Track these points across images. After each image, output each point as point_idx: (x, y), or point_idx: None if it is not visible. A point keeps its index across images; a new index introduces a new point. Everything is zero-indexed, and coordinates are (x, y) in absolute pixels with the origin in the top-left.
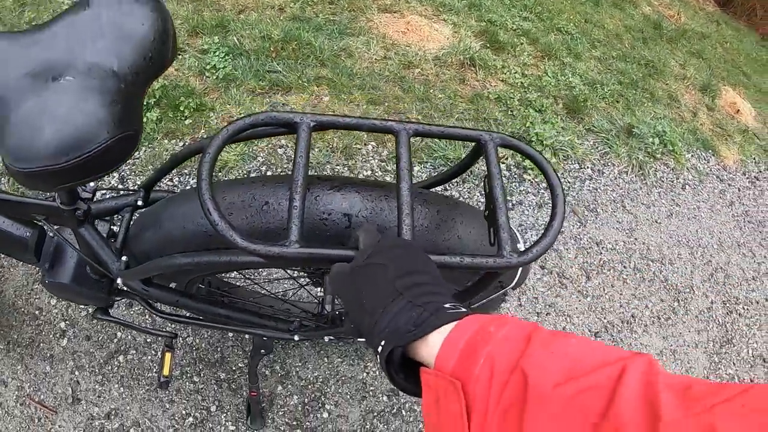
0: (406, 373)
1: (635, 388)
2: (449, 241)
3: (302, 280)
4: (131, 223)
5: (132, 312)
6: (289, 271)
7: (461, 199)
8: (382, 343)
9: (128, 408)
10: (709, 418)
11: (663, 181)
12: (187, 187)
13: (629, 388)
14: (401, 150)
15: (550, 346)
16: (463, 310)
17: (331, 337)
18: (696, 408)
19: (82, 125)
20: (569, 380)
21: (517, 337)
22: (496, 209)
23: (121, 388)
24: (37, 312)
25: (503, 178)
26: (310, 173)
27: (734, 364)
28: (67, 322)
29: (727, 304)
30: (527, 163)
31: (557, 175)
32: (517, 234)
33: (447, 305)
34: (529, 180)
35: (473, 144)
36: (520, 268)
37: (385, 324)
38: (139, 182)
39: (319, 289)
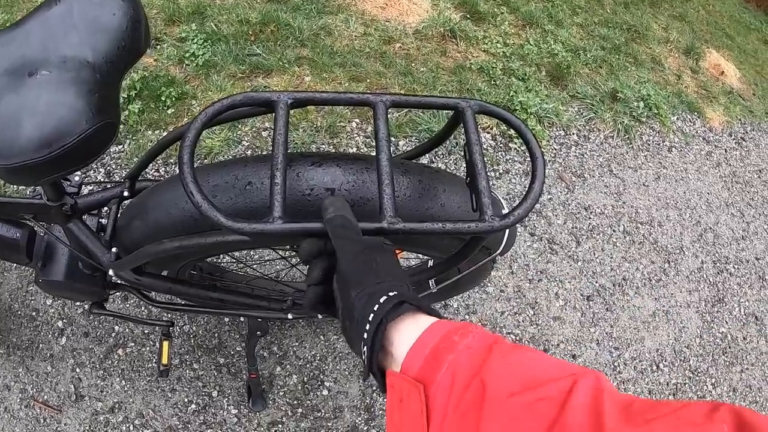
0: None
1: (583, 401)
2: (432, 209)
3: (293, 260)
4: (119, 214)
5: (127, 305)
6: (279, 252)
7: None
8: (390, 294)
9: (131, 400)
10: (647, 429)
11: (649, 145)
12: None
13: (578, 400)
14: (379, 122)
15: (508, 358)
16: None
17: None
18: (636, 420)
19: (61, 117)
20: (524, 390)
21: (479, 347)
22: (476, 175)
23: (123, 381)
24: (33, 313)
25: (483, 145)
26: (292, 151)
27: (726, 322)
28: (64, 320)
29: (718, 264)
30: (513, 131)
31: (536, 138)
32: (502, 201)
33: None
34: (515, 148)
35: (452, 113)
36: (506, 234)
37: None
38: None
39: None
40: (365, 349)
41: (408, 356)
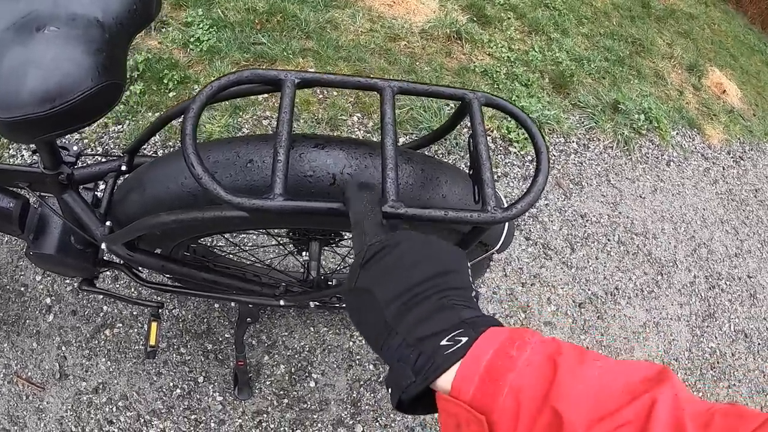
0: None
1: (665, 426)
2: (434, 199)
3: (288, 247)
4: (115, 188)
5: (117, 285)
6: (274, 239)
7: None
8: (389, 391)
9: (116, 381)
10: None
11: (648, 157)
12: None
13: (659, 425)
14: (386, 107)
15: (577, 375)
16: (465, 339)
17: (317, 303)
18: None
19: (67, 72)
20: (602, 419)
21: (540, 361)
22: (480, 166)
23: (109, 362)
24: (22, 289)
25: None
26: (295, 133)
27: (716, 338)
28: (52, 297)
29: (710, 279)
30: (513, 135)
31: (541, 133)
32: (503, 198)
33: (444, 341)
34: (515, 152)
35: (458, 104)
36: (505, 231)
37: (388, 361)
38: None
39: (304, 254)
40: (413, 379)
41: (459, 375)
